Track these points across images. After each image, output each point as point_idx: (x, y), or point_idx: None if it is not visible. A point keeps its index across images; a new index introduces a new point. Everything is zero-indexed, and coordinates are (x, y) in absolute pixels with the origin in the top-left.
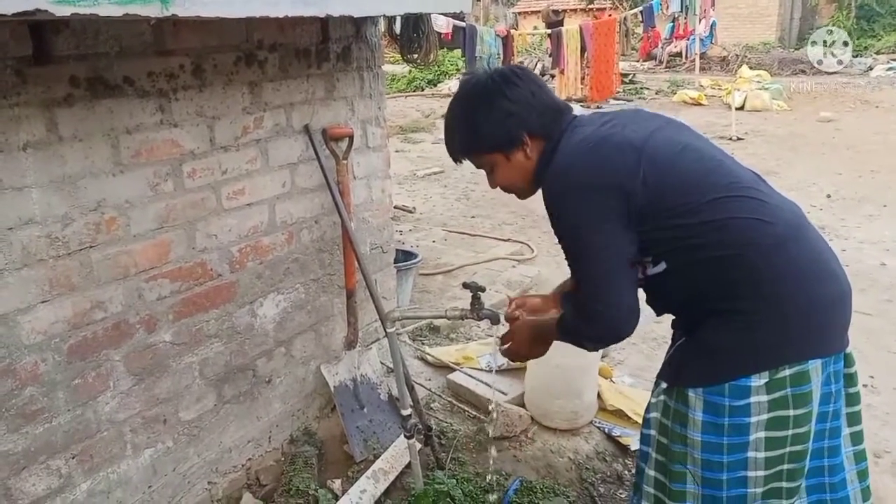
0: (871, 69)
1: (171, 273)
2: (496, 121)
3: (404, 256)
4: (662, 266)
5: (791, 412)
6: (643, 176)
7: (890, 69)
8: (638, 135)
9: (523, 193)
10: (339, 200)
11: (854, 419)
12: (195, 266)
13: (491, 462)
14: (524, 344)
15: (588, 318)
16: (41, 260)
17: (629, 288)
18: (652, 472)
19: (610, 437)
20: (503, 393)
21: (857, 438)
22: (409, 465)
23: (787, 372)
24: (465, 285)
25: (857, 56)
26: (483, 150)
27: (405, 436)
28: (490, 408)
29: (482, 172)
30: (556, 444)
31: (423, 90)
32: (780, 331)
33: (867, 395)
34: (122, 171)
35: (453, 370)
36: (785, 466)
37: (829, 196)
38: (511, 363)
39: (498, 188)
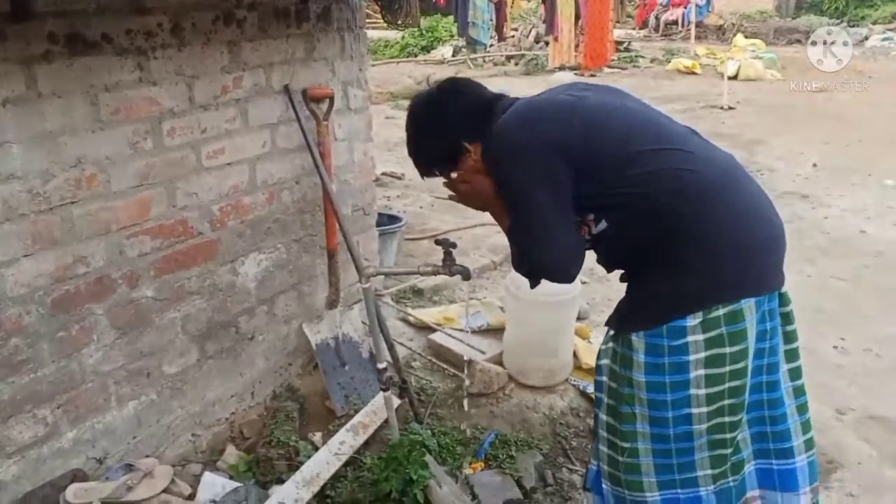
0: (867, 39)
1: (152, 230)
2: (435, 138)
3: (390, 221)
4: (604, 224)
5: (727, 349)
6: (576, 132)
7: (885, 39)
8: (571, 97)
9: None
10: (320, 161)
11: (792, 356)
12: (176, 224)
13: (466, 410)
14: (480, 191)
15: (529, 264)
16: (23, 214)
17: (568, 239)
18: (604, 417)
19: (584, 394)
20: (482, 352)
21: (795, 374)
22: (387, 419)
23: (720, 311)
24: (437, 242)
25: (853, 26)
26: (436, 164)
27: (381, 388)
28: (465, 365)
29: None
30: (531, 401)
31: (416, 56)
32: (710, 273)
33: (837, 356)
34: (102, 128)
35: (434, 331)
36: (726, 402)
37: (815, 165)
38: (490, 324)
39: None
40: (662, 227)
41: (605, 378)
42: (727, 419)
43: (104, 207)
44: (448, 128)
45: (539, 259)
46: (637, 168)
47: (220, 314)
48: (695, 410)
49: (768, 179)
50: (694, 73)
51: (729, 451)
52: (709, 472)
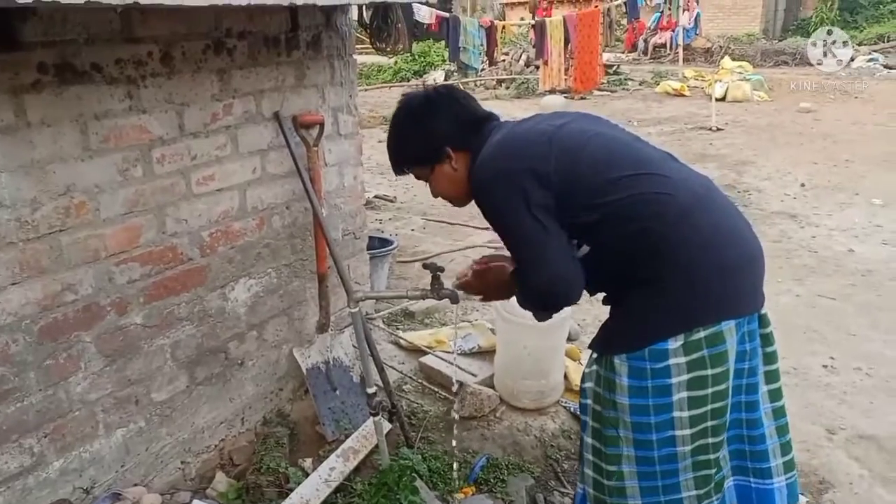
0: (853, 60)
1: (142, 257)
2: (421, 137)
3: (381, 244)
4: (585, 248)
5: (709, 371)
6: (554, 162)
7: (870, 60)
8: (549, 126)
9: (458, 202)
10: (310, 187)
11: (772, 377)
12: (165, 250)
13: (453, 441)
14: (485, 283)
15: (529, 292)
16: (11, 243)
17: (563, 259)
18: (589, 440)
19: (575, 416)
20: (473, 374)
21: (775, 395)
22: (378, 445)
23: (701, 334)
24: (425, 266)
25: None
26: (413, 163)
27: (370, 413)
28: (454, 388)
29: None
30: (523, 423)
31: (409, 81)
32: (691, 295)
33: (827, 375)
34: (92, 156)
35: (426, 353)
36: (709, 423)
37: (802, 185)
38: (481, 346)
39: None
40: (641, 249)
41: (589, 401)
42: (710, 440)
43: (93, 235)
44: (435, 129)
45: (536, 284)
46: (614, 193)
47: (209, 340)
48: (678, 433)
49: (756, 199)
50: (682, 96)
51: (713, 471)
52: (693, 492)
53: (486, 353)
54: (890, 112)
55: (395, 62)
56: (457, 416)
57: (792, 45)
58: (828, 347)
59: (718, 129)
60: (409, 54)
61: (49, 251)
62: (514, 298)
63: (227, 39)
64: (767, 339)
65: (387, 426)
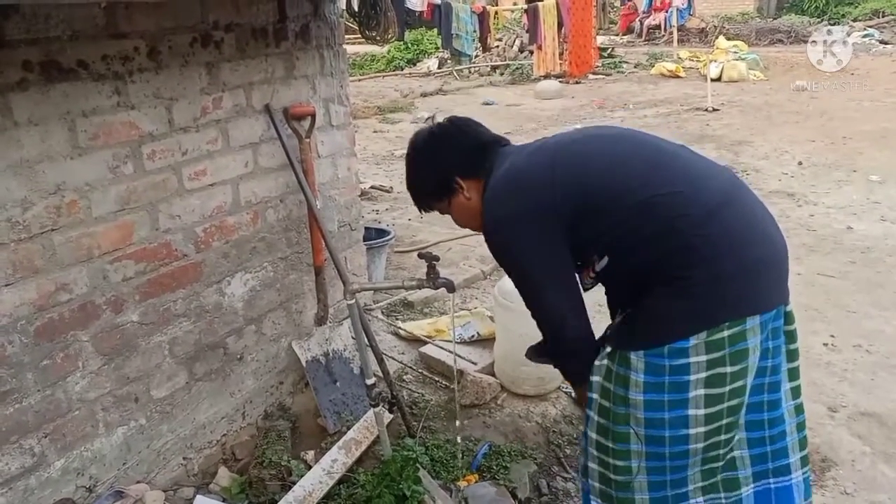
0: (848, 35)
1: (136, 254)
2: (430, 175)
3: (378, 234)
4: (606, 260)
5: (728, 369)
6: (558, 191)
7: (866, 36)
8: (549, 152)
9: (480, 228)
10: (303, 179)
11: (794, 375)
12: (160, 247)
13: (458, 432)
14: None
15: (547, 341)
16: (2, 244)
17: (570, 304)
18: (594, 435)
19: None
20: (473, 363)
21: (796, 393)
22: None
23: (725, 333)
24: (421, 255)
25: (833, 24)
26: (429, 199)
27: (370, 404)
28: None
29: None
30: (524, 410)
31: (402, 70)
32: (715, 293)
33: (828, 353)
34: (81, 154)
35: (425, 343)
36: (724, 421)
37: (800, 163)
38: (480, 334)
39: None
40: (665, 248)
41: (595, 395)
42: (723, 437)
43: (86, 233)
44: (441, 163)
45: (543, 330)
46: (631, 199)
47: (207, 336)
48: (692, 431)
49: (754, 179)
50: (677, 77)
51: (720, 463)
52: (699, 484)
53: (485, 341)
54: (886, 88)
55: (389, 51)
56: (459, 405)
57: (787, 23)
58: (828, 325)
59: (714, 110)
60: (401, 42)
61: (42, 251)
62: (509, 282)
63: (215, 32)
64: (791, 336)
65: (388, 416)
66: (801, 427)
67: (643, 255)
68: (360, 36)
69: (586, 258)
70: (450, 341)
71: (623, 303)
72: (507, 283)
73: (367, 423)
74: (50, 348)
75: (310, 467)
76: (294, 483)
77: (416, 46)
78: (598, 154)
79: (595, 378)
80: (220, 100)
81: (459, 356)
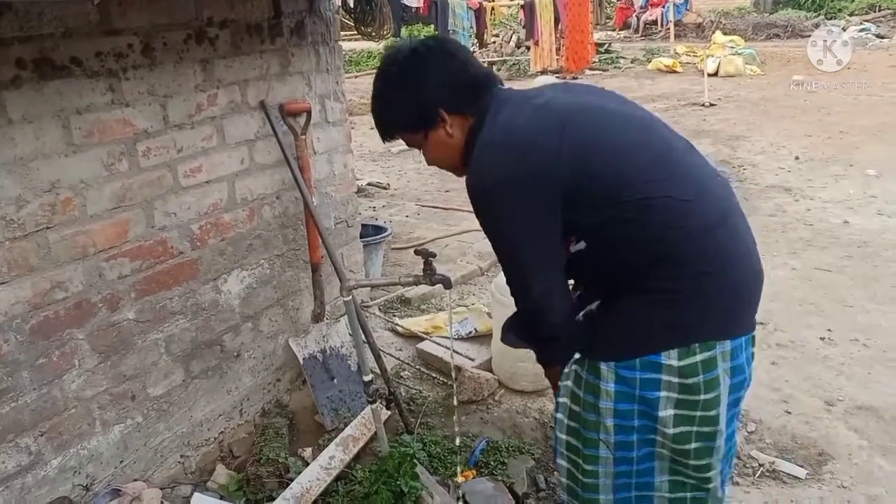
0: (844, 31)
1: (131, 252)
2: (408, 99)
3: (375, 231)
4: (582, 244)
5: (701, 397)
6: (566, 156)
7: (862, 31)
8: (560, 109)
9: (457, 172)
10: (299, 175)
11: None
12: (155, 244)
13: (456, 426)
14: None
15: (520, 313)
16: None
17: (557, 284)
18: (564, 436)
19: None
20: (470, 359)
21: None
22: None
23: (697, 357)
24: (417, 252)
25: (830, 18)
26: (402, 130)
27: (368, 400)
28: (453, 372)
29: None
30: (521, 406)
31: None
32: (696, 311)
33: (825, 347)
34: (75, 151)
35: (423, 339)
36: (692, 445)
37: (797, 158)
38: (478, 330)
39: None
40: (652, 255)
41: (565, 399)
42: (692, 461)
43: (81, 231)
44: (425, 89)
45: (521, 308)
46: (629, 194)
47: (204, 333)
48: (658, 450)
49: (751, 174)
50: (674, 72)
51: (690, 482)
52: (666, 495)
53: (482, 337)
54: (883, 82)
55: (385, 48)
56: (456, 402)
57: (783, 18)
58: (825, 319)
59: (711, 105)
60: (397, 39)
61: (37, 249)
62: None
63: (209, 29)
64: (749, 361)
65: (385, 413)
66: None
67: (626, 254)
68: (355, 32)
69: (565, 237)
70: (447, 337)
71: (589, 295)
72: (504, 279)
73: (365, 420)
74: (46, 346)
75: (307, 464)
76: (292, 480)
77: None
78: (609, 134)
79: (565, 382)
80: (214, 96)
81: (457, 352)
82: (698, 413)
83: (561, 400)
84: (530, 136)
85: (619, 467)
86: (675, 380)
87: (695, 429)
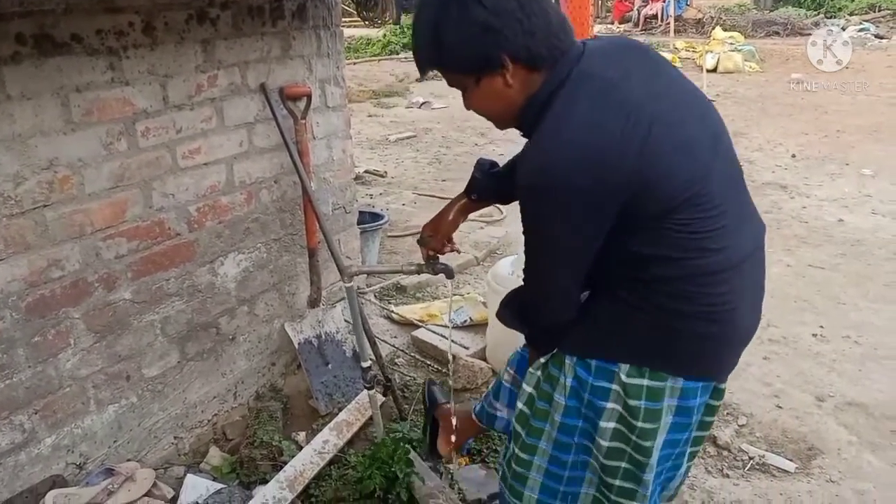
0: (844, 30)
1: (129, 232)
2: (468, 34)
3: (372, 218)
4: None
5: (639, 424)
6: (636, 181)
7: (862, 30)
8: (640, 118)
9: (501, 124)
10: (298, 160)
11: (697, 441)
12: (153, 225)
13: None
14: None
15: (526, 310)
16: None
17: (576, 291)
18: (514, 423)
19: None
20: (465, 347)
21: (691, 456)
22: (372, 417)
23: (644, 382)
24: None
25: (830, 17)
26: (449, 69)
27: (365, 386)
28: (450, 361)
29: (454, 137)
30: None
31: (398, 54)
32: (679, 345)
33: (817, 343)
34: (74, 129)
35: (418, 327)
36: (623, 465)
37: (793, 156)
38: (473, 319)
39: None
40: (651, 274)
41: (530, 388)
42: (617, 482)
43: (78, 210)
44: (491, 28)
45: (530, 304)
46: (674, 217)
47: (199, 315)
48: (593, 460)
49: (747, 171)
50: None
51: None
52: None
53: (478, 326)
54: (880, 82)
55: (384, 35)
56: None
57: (783, 16)
58: (817, 316)
59: (710, 101)
60: (397, 26)
61: (34, 227)
62: (502, 268)
63: (210, 9)
64: (711, 411)
65: (380, 399)
66: (691, 456)
67: (629, 264)
68: (355, 18)
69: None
70: (442, 325)
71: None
72: (500, 268)
73: (359, 405)
74: (41, 325)
75: (301, 448)
76: (285, 463)
77: (410, 30)
78: (686, 143)
79: (533, 370)
80: (215, 78)
81: (452, 341)
82: (633, 437)
83: (526, 388)
84: (609, 151)
85: (551, 466)
86: (622, 395)
87: (628, 450)
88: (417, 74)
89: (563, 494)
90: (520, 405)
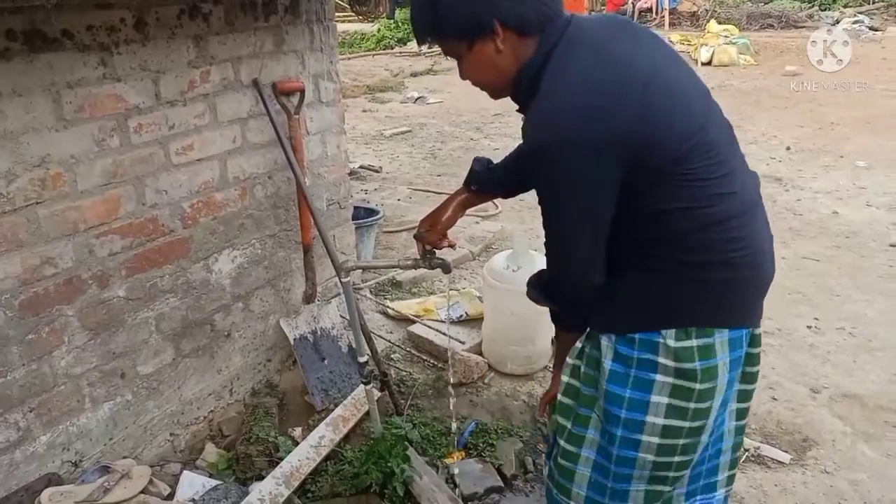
0: (838, 23)
1: (122, 229)
2: (465, 2)
3: (367, 213)
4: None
5: (697, 385)
6: (640, 129)
7: (856, 22)
8: (640, 78)
9: (495, 94)
10: (292, 156)
11: (745, 396)
12: (146, 222)
13: (452, 409)
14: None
15: (552, 275)
16: None
17: (598, 255)
18: (557, 416)
19: None
20: (461, 342)
21: (741, 414)
22: (368, 412)
23: (693, 342)
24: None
25: (824, 10)
26: (443, 35)
27: (362, 381)
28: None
29: (449, 132)
30: (511, 389)
31: (392, 49)
32: (700, 295)
33: (812, 335)
34: (66, 126)
35: (414, 322)
36: (681, 441)
37: (788, 148)
38: (468, 314)
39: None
40: (672, 230)
41: (566, 377)
42: (676, 459)
43: (71, 207)
44: None
45: (556, 275)
46: (681, 171)
47: (194, 312)
48: (645, 438)
49: None
50: None
51: (668, 489)
52: None
53: (473, 321)
54: (875, 75)
55: (378, 30)
56: (451, 383)
57: (778, 8)
58: (812, 308)
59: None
60: (392, 21)
61: (27, 224)
62: (497, 263)
63: (202, 4)
64: (752, 360)
65: (377, 395)
66: (736, 447)
67: (645, 230)
68: (349, 13)
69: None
70: (438, 320)
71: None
72: (495, 263)
73: (355, 401)
74: (35, 322)
75: (297, 444)
76: (281, 459)
77: (406, 26)
78: (678, 106)
79: (571, 359)
80: (207, 73)
81: (449, 336)
82: (692, 405)
83: (563, 379)
84: (611, 100)
85: (599, 457)
86: (672, 364)
87: (687, 424)
88: (413, 69)
89: (612, 492)
90: (560, 398)
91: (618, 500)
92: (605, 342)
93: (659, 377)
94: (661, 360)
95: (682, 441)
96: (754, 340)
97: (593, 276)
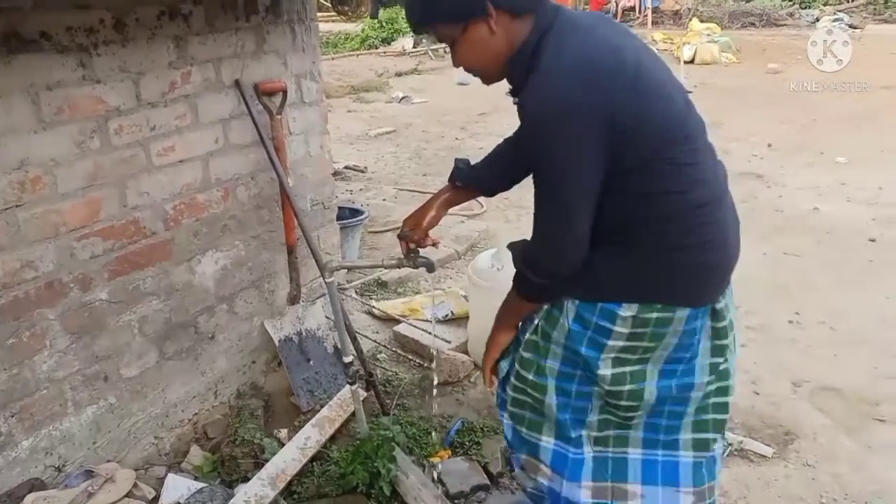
0: (818, 21)
1: (103, 231)
2: None
3: (352, 214)
4: None
5: (643, 343)
6: (633, 102)
7: (836, 20)
8: (633, 53)
9: (489, 78)
10: (274, 156)
11: (717, 371)
12: (128, 224)
13: (436, 406)
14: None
15: (540, 246)
16: None
17: (587, 235)
18: (518, 368)
19: None
20: (447, 341)
21: (723, 391)
22: (354, 413)
23: (654, 314)
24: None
25: (805, 8)
26: (438, 19)
27: (348, 382)
28: (433, 354)
29: (434, 132)
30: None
31: (376, 48)
32: (667, 277)
33: (792, 329)
34: (45, 128)
35: (399, 322)
36: (626, 387)
37: (769, 145)
38: (454, 313)
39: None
40: (651, 213)
41: (530, 335)
42: (623, 402)
43: (51, 210)
44: None
45: (550, 244)
46: (664, 154)
47: (178, 314)
48: (599, 375)
49: (724, 161)
50: None
51: (616, 420)
52: (595, 433)
53: (459, 320)
54: (854, 71)
55: (363, 29)
56: (435, 382)
57: (759, 7)
58: (793, 303)
59: (688, 92)
60: (376, 21)
61: (6, 227)
62: (482, 262)
63: (182, 5)
64: (718, 333)
65: (362, 395)
66: (704, 410)
67: (627, 208)
68: (333, 13)
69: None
70: (423, 320)
71: None
72: (480, 262)
73: (341, 401)
74: (16, 326)
75: (283, 445)
76: (267, 461)
77: (390, 25)
78: (666, 89)
79: (535, 320)
80: (188, 74)
81: (434, 335)
82: (636, 356)
83: (526, 336)
84: (609, 76)
85: (559, 397)
86: (626, 331)
87: (628, 370)
88: (397, 69)
89: (574, 409)
90: (523, 353)
91: (580, 415)
92: (569, 304)
93: (610, 342)
94: (617, 328)
95: (627, 387)
96: (716, 315)
97: (582, 251)
